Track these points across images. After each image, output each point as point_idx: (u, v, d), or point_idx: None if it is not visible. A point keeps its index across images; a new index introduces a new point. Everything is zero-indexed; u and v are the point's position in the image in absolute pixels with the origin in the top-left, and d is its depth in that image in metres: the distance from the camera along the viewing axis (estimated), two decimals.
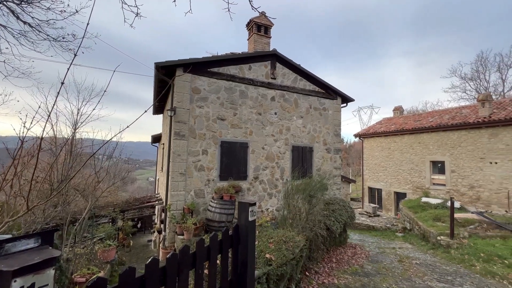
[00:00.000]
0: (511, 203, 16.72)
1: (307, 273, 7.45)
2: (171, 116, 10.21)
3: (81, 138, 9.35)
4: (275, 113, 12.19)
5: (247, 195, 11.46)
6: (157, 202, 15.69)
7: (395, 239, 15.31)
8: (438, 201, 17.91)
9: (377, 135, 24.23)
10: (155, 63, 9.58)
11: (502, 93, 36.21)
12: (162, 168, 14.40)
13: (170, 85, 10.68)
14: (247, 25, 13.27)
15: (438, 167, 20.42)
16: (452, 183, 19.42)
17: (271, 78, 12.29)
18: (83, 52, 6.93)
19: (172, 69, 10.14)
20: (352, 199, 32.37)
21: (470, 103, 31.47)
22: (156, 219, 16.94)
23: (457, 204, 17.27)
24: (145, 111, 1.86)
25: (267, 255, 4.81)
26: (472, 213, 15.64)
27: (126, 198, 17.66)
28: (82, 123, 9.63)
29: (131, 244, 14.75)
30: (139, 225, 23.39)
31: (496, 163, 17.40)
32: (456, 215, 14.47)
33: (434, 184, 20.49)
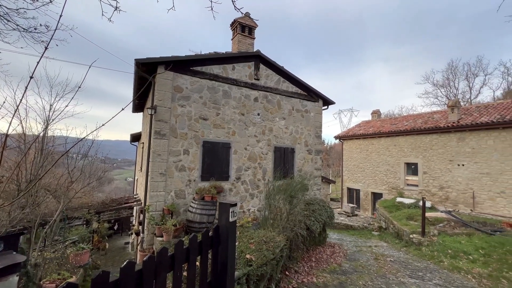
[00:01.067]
0: (476, 203, 17.95)
1: (287, 272, 7.54)
2: (151, 115, 9.94)
3: (53, 136, 8.84)
4: (258, 114, 12.23)
5: (229, 196, 11.40)
6: (135, 203, 15.20)
7: (372, 238, 15.89)
8: (412, 201, 18.84)
9: (356, 138, 25.07)
10: (135, 59, 9.29)
11: (469, 100, 38.81)
12: (141, 168, 13.97)
13: (150, 82, 10.39)
14: (231, 25, 13.23)
15: (412, 168, 21.49)
16: (424, 184, 20.51)
17: (255, 79, 12.33)
18: (57, 45, 6.56)
19: (153, 66, 9.88)
20: (331, 199, 33.21)
21: (441, 108, 33.43)
22: (134, 220, 16.40)
23: (428, 204, 18.27)
24: (123, 109, 1.80)
25: (248, 256, 4.82)
26: (442, 212, 16.61)
27: (102, 199, 16.94)
28: (54, 119, 9.10)
29: (107, 247, 14.16)
30: (116, 227, 22.50)
31: (463, 165, 18.61)
32: (427, 214, 15.28)
33: (408, 184, 21.53)
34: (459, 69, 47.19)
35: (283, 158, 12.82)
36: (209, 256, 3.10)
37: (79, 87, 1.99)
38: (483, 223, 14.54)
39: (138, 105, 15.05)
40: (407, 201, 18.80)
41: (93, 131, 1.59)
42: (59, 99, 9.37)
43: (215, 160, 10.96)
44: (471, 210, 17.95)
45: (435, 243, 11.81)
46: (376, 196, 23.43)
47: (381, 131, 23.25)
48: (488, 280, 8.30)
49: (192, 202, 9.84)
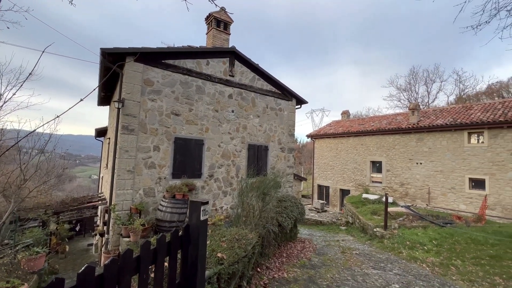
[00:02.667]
0: (431, 198, 19.64)
1: (258, 269, 7.62)
2: (118, 108, 9.39)
3: (2, 129, 7.96)
4: (233, 111, 12.14)
5: (201, 194, 11.20)
6: (100, 202, 14.30)
7: (339, 232, 16.65)
8: (376, 197, 20.07)
9: (326, 136, 26.02)
10: (101, 48, 8.67)
11: (427, 104, 42.23)
12: (107, 165, 13.17)
13: (116, 74, 9.79)
14: (206, 19, 12.91)
15: (377, 166, 22.87)
16: (387, 180, 21.95)
17: (229, 75, 12.20)
18: (8, 27, 5.90)
19: (121, 57, 9.31)
20: (303, 196, 34.19)
21: (403, 111, 35.92)
22: (99, 220, 15.44)
23: (390, 199, 19.60)
24: (81, 99, 1.65)
25: (219, 254, 4.77)
26: (402, 207, 17.92)
27: (62, 198, 15.70)
28: (5, 110, 8.18)
29: (67, 249, 13.17)
30: (78, 228, 21.00)
31: (421, 163, 20.22)
32: (389, 209, 16.39)
33: (373, 181, 22.89)
34: (419, 75, 51.15)
35: (257, 156, 12.89)
36: (179, 256, 3.00)
37: (30, 73, 1.79)
38: (436, 216, 15.96)
39: (105, 98, 14.13)
40: (372, 197, 19.99)
41: (46, 123, 1.44)
42: (11, 88, 8.44)
43: (187, 157, 10.69)
44: (426, 204, 19.62)
45: (395, 235, 12.71)
46: (344, 193, 24.60)
47: (350, 131, 24.41)
48: (439, 268, 9.14)
49: (162, 200, 9.50)
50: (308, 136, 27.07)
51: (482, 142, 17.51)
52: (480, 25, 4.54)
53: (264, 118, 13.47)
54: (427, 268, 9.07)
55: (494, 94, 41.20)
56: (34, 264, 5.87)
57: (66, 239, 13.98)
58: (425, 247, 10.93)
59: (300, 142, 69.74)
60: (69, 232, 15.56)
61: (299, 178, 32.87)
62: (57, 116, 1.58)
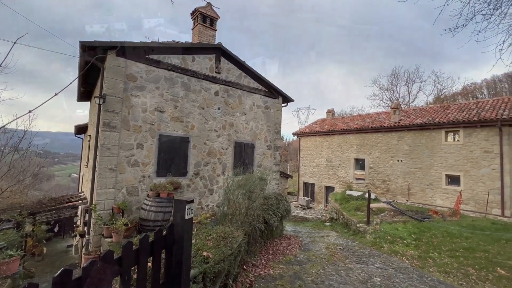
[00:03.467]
0: (410, 194, 20.44)
1: (244, 266, 7.63)
2: (99, 104, 9.05)
3: None
4: (219, 108, 12.03)
5: (186, 192, 11.05)
6: (80, 201, 13.77)
7: (324, 229, 16.99)
8: (359, 193, 20.64)
9: (312, 135, 26.39)
10: (80, 41, 8.30)
11: (408, 103, 43.80)
12: (87, 163, 12.69)
13: (97, 68, 9.42)
14: (192, 14, 12.67)
15: (360, 164, 23.48)
16: (370, 177, 22.62)
17: (216, 72, 12.07)
18: None
19: (102, 51, 8.95)
20: (289, 193, 34.58)
21: (385, 110, 37.12)
22: (79, 221, 14.87)
23: (373, 196, 20.22)
24: (56, 94, 1.56)
25: (205, 253, 4.73)
26: (383, 202, 18.53)
27: (39, 198, 14.98)
28: None
29: (45, 251, 12.61)
30: (56, 229, 20.16)
31: (401, 161, 20.97)
32: (372, 205, 16.90)
33: (356, 178, 23.50)
34: (401, 75, 52.89)
35: (243, 154, 12.87)
36: (163, 256, 2.94)
37: (0, 65, 1.66)
38: (415, 211, 16.64)
39: (85, 94, 13.57)
40: (355, 193, 20.53)
41: (18, 118, 1.34)
42: None
43: (172, 155, 10.50)
44: (406, 200, 20.41)
45: (377, 230, 13.13)
46: (329, 190, 25.10)
47: (335, 129, 24.88)
48: (418, 260, 9.55)
49: (146, 199, 9.29)
50: (294, 134, 27.35)
51: (458, 141, 18.40)
52: (457, 28, 4.73)
53: (250, 115, 13.46)
54: (407, 261, 9.45)
55: (469, 94, 43.40)
56: (7, 268, 5.56)
57: (44, 241, 13.37)
58: (404, 241, 11.38)
59: (286, 140, 70.35)
60: (47, 233, 14.88)
61: (285, 175, 33.18)
62: (30, 111, 1.48)
